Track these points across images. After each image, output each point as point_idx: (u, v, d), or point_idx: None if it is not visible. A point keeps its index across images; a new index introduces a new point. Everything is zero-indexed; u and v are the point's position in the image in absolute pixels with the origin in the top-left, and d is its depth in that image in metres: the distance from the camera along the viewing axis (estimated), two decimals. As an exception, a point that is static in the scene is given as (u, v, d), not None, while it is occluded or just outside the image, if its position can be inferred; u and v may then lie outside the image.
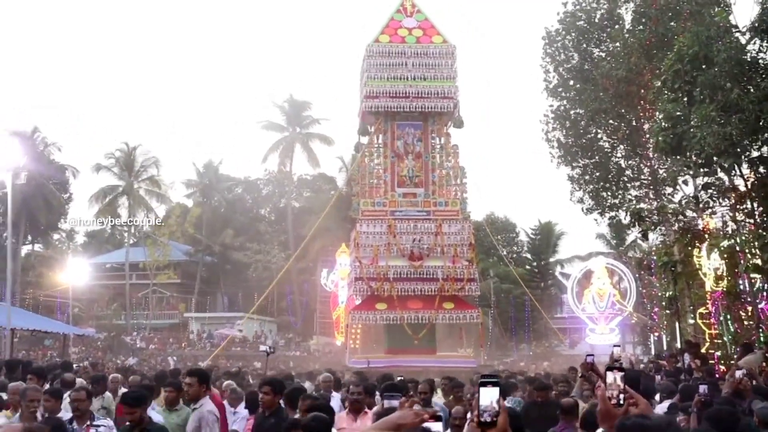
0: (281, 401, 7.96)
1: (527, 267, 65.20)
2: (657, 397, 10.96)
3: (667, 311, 25.86)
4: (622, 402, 3.68)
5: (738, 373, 10.87)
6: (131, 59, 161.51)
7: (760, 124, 17.26)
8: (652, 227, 24.41)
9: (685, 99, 19.48)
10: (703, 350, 22.23)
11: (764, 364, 13.40)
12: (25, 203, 52.26)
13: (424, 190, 30.39)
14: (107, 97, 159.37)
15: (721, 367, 20.48)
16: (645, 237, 26.00)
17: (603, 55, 32.53)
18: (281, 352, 51.40)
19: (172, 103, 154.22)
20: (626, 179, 33.46)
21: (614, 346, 11.16)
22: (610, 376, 3.73)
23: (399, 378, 12.74)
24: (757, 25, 17.92)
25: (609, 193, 33.41)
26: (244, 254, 60.41)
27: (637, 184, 33.30)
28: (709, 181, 21.27)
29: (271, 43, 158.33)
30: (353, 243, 30.37)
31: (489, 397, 3.05)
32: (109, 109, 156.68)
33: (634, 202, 31.97)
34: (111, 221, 67.37)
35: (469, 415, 4.29)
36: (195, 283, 63.30)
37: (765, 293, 21.49)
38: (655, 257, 31.38)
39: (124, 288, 59.68)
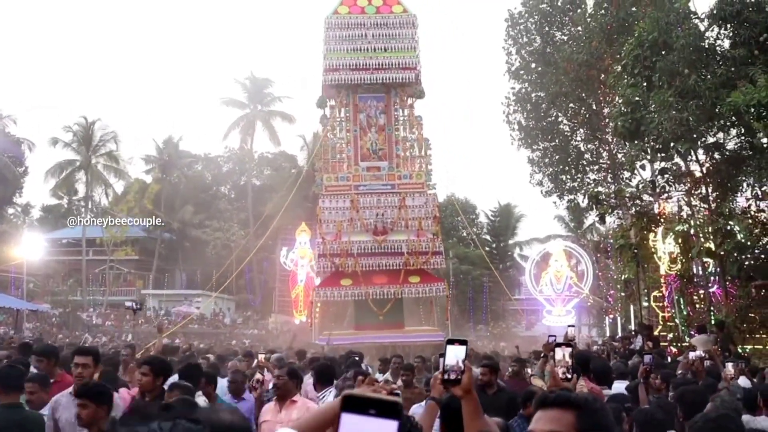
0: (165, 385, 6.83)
1: (486, 248, 65.63)
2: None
3: (622, 294, 26.20)
4: (569, 376, 3.80)
5: (692, 354, 11.07)
6: (91, 32, 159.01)
7: (716, 110, 17.48)
8: (610, 210, 24.65)
9: (644, 84, 19.71)
10: (656, 333, 22.60)
11: (715, 346, 13.61)
12: (-22, 176, 51.40)
13: (388, 163, 29.86)
14: (65, 70, 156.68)
15: (672, 348, 20.87)
16: (602, 220, 26.30)
17: (565, 38, 32.74)
18: (240, 329, 51.32)
19: (132, 78, 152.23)
20: (585, 163, 33.78)
21: (569, 326, 11.32)
22: (558, 353, 3.82)
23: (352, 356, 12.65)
24: (715, 12, 18.13)
25: (568, 176, 33.72)
26: (203, 231, 59.99)
27: (596, 167, 33.64)
28: (665, 166, 21.59)
29: (233, 18, 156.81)
30: (317, 219, 29.96)
31: (455, 355, 3.07)
32: (67, 83, 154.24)
33: (593, 185, 32.29)
34: (68, 196, 66.83)
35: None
36: (153, 259, 62.75)
37: (717, 277, 21.91)
38: (612, 240, 31.80)
39: (80, 264, 58.98)
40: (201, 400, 7.31)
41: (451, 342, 3.14)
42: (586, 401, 2.31)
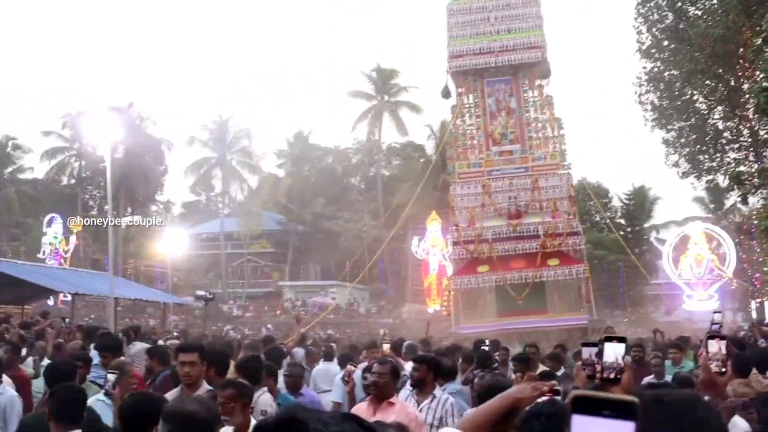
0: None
1: (621, 233, 64.02)
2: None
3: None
4: (724, 370, 3.60)
5: None
6: (224, 33, 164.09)
7: None
8: (753, 190, 23.67)
9: (788, 57, 18.80)
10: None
11: None
12: (123, 176, 53.79)
13: (521, 146, 29.14)
14: (199, 72, 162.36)
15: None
16: (745, 201, 25.28)
17: (699, 13, 31.58)
18: (374, 319, 51.97)
19: (263, 75, 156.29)
20: (724, 141, 32.58)
21: (715, 312, 10.92)
22: (713, 345, 3.64)
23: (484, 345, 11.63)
24: None
25: (706, 156, 32.63)
26: (335, 223, 60.95)
27: (736, 146, 32.39)
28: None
29: (360, 10, 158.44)
30: (449, 207, 29.72)
31: (614, 352, 3.02)
32: (201, 83, 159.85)
33: (733, 164, 31.10)
34: (205, 192, 69.33)
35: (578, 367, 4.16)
36: (288, 252, 64.30)
37: None
38: (756, 221, 30.48)
39: (219, 258, 61.09)
40: (266, 396, 6.85)
41: (609, 339, 3.09)
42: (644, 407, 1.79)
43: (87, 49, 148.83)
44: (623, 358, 3.01)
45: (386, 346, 10.59)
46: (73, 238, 48.29)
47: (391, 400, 6.53)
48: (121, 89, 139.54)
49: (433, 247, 45.90)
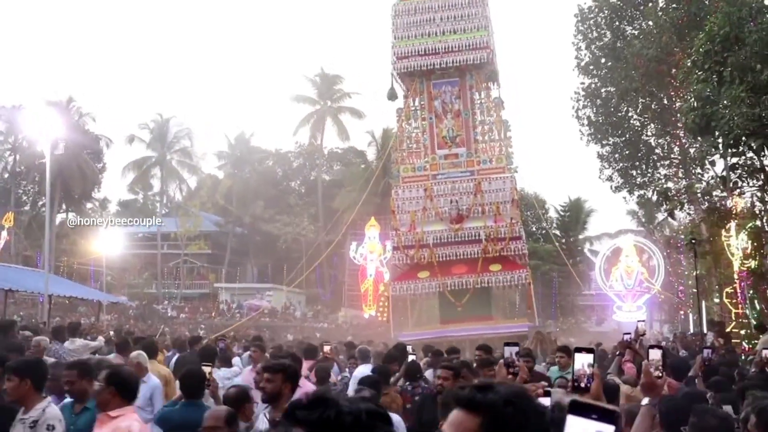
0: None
1: (556, 243, 65.09)
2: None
3: (694, 290, 25.99)
4: (661, 374, 4.10)
5: (765, 353, 11.11)
6: (166, 32, 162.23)
7: (790, 105, 17.31)
8: (679, 206, 24.48)
9: (715, 79, 19.53)
10: (728, 330, 22.36)
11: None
12: (59, 172, 52.87)
13: (467, 150, 28.66)
14: (141, 69, 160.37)
15: (745, 345, 20.65)
16: (672, 216, 26.14)
17: (635, 33, 32.48)
18: (310, 323, 52.05)
19: (206, 76, 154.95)
20: (656, 158, 33.54)
21: (639, 321, 11.41)
22: (654, 353, 4.14)
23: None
24: (789, 6, 17.93)
25: (638, 172, 33.51)
26: (274, 226, 60.85)
27: (667, 162, 33.37)
28: (737, 161, 21.36)
29: (304, 16, 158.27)
30: (390, 211, 29.04)
31: (582, 362, 3.32)
32: (142, 81, 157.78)
33: (663, 180, 32.05)
34: (143, 191, 68.57)
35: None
36: (225, 253, 63.99)
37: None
38: (683, 236, 31.47)
39: (155, 257, 60.50)
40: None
41: (578, 350, 3.39)
42: (494, 405, 1.88)
43: (24, 42, 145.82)
44: (592, 366, 3.30)
45: (327, 348, 11.21)
46: (4, 233, 47.32)
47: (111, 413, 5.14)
48: (60, 84, 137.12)
49: (371, 252, 46.21)
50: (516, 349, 4.58)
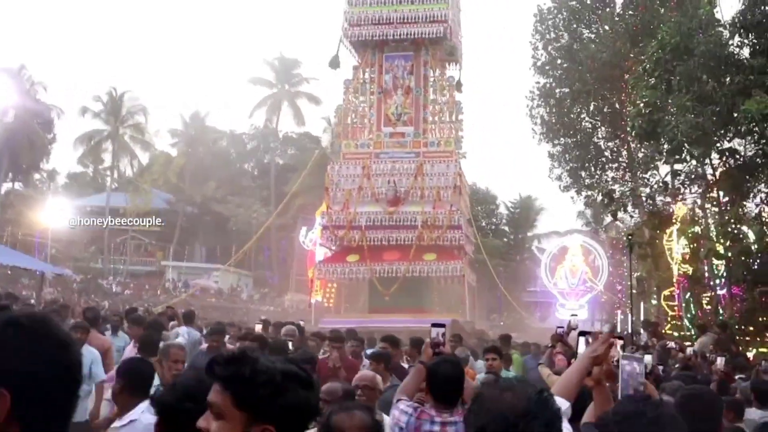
0: None
1: (504, 239, 65.79)
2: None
3: (633, 291, 26.59)
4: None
5: (689, 350, 11.60)
6: (125, 4, 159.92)
7: (733, 117, 17.83)
8: (622, 209, 25.06)
9: (664, 87, 20.04)
10: (664, 331, 22.99)
11: (712, 346, 14.09)
12: (8, 141, 52.05)
13: (414, 129, 27.11)
14: (96, 41, 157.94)
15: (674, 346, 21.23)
16: (614, 217, 26.72)
17: (592, 36, 32.97)
18: (256, 305, 52.01)
19: (162, 52, 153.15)
20: (605, 160, 34.08)
21: (572, 315, 11.80)
22: (582, 341, 4.44)
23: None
24: (738, 20, 18.44)
25: (587, 173, 34.02)
26: (225, 207, 60.58)
27: (615, 165, 33.93)
28: (680, 168, 21.93)
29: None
30: (325, 189, 27.38)
31: (584, 345, 3.63)
32: (97, 53, 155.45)
33: (610, 182, 32.61)
34: (94, 165, 67.69)
35: None
36: (174, 232, 63.51)
37: (725, 279, 22.26)
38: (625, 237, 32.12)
39: (102, 232, 59.86)
40: None
41: (582, 333, 3.70)
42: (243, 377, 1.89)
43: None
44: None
45: (258, 327, 11.29)
46: (-55, 202, 46.53)
47: None
48: (11, 50, 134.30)
49: (319, 238, 46.32)
50: (443, 330, 4.77)
